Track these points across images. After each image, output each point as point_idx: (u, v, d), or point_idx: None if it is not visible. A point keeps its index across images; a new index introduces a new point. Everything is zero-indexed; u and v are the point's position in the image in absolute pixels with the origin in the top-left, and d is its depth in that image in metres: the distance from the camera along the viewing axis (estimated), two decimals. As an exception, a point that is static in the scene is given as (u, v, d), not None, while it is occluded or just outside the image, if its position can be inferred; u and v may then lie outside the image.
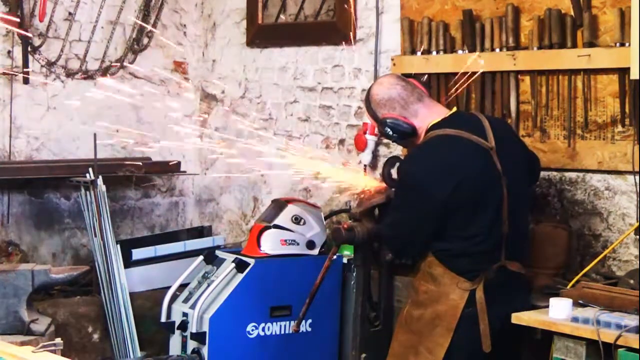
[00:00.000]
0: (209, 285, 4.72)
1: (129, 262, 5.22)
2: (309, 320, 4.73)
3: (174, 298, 4.86)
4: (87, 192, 5.09)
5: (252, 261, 4.72)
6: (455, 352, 3.75)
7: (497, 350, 3.75)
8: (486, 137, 3.79)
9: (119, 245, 5.13)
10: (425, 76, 4.43)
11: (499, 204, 3.75)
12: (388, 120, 3.87)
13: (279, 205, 4.92)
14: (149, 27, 5.83)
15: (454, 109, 3.98)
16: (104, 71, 5.71)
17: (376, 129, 4.54)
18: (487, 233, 3.75)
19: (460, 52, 4.58)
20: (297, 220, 4.82)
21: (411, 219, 3.82)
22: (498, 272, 3.76)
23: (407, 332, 3.86)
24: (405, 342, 3.86)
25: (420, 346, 3.79)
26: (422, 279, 3.85)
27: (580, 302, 3.66)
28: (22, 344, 3.44)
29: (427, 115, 3.87)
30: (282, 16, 5.62)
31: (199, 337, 4.63)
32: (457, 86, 4.45)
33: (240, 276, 4.69)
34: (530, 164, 4.04)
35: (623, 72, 4.01)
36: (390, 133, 3.89)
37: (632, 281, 3.80)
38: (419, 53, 4.71)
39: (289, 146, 4.93)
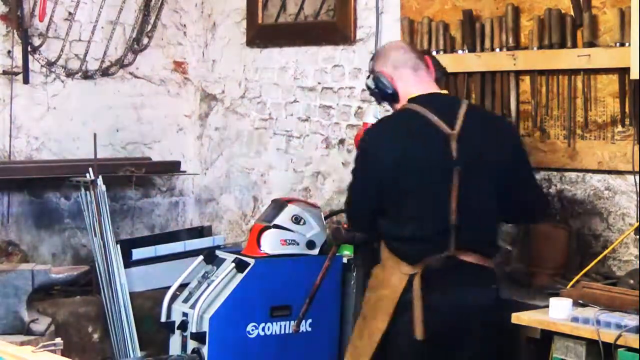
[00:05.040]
0: (209, 285, 4.72)
1: (129, 262, 5.22)
2: (309, 320, 4.73)
3: (174, 298, 4.86)
4: (87, 192, 5.09)
5: (252, 261, 4.72)
6: (394, 338, 3.69)
7: (447, 342, 3.66)
8: (453, 123, 3.66)
9: (119, 245, 5.13)
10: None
11: (446, 191, 3.62)
12: (376, 72, 3.84)
13: (279, 205, 4.93)
14: (149, 27, 5.84)
15: (445, 91, 3.90)
16: (104, 71, 5.71)
17: None
18: (430, 219, 3.65)
19: (460, 52, 4.58)
20: (297, 220, 4.82)
21: (356, 183, 3.80)
22: (446, 261, 3.63)
23: (360, 316, 3.85)
24: (357, 326, 3.84)
25: (365, 329, 3.75)
26: (377, 262, 3.82)
27: (580, 302, 3.66)
28: (22, 344, 3.44)
29: (412, 85, 3.78)
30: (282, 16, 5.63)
31: (199, 337, 4.63)
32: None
33: (240, 276, 4.69)
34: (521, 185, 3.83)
35: (623, 72, 4.01)
36: (372, 86, 3.85)
37: (632, 281, 3.80)
38: (419, 53, 4.71)
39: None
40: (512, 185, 3.75)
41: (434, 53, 4.63)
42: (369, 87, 3.89)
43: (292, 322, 4.63)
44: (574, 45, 4.21)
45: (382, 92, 3.83)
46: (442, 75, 3.93)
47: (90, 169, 5.09)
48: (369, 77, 3.89)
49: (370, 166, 3.73)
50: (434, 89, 3.82)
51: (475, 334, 3.69)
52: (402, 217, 3.69)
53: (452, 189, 3.62)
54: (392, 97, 3.83)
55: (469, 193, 3.64)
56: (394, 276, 3.69)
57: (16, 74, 5.36)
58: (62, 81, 5.57)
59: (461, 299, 3.65)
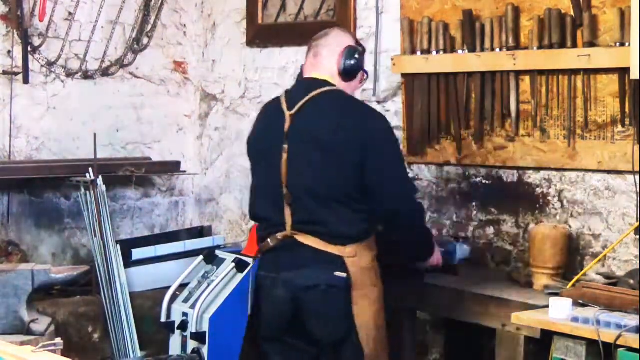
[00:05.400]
0: (209, 285, 4.72)
1: (129, 262, 5.22)
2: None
3: (174, 298, 4.86)
4: (87, 192, 5.09)
5: (252, 261, 4.71)
6: (255, 316, 3.86)
7: (296, 319, 3.70)
8: (295, 105, 3.73)
9: (119, 245, 5.13)
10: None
11: (278, 171, 3.69)
12: None
13: (278, 205, 4.92)
14: (149, 27, 5.84)
15: (314, 74, 3.84)
16: (104, 71, 5.71)
17: None
18: (266, 197, 3.76)
19: (460, 52, 4.58)
20: (297, 220, 4.81)
21: None
22: (282, 242, 3.70)
23: None
24: None
25: None
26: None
27: (580, 302, 3.66)
28: (22, 344, 3.43)
29: (306, 70, 3.89)
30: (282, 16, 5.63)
31: (199, 337, 4.63)
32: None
33: (240, 276, 4.69)
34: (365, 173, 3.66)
35: (623, 72, 4.01)
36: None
37: (632, 281, 3.80)
38: (419, 53, 4.71)
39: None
40: (363, 173, 3.64)
41: (433, 53, 4.64)
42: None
43: (292, 322, 4.63)
44: (574, 45, 4.21)
45: (297, 78, 4.00)
46: (353, 66, 3.82)
47: (90, 169, 5.09)
48: None
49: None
50: (315, 73, 3.83)
51: (310, 314, 3.67)
52: (253, 199, 3.88)
53: (281, 165, 3.69)
54: None
55: (298, 172, 3.67)
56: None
57: (16, 74, 5.35)
58: (62, 81, 5.57)
59: (303, 281, 3.65)
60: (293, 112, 3.73)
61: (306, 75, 3.87)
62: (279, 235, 3.71)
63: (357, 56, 3.84)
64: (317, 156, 3.66)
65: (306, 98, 3.74)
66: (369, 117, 3.76)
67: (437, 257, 4.04)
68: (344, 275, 3.63)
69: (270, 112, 3.87)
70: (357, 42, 3.95)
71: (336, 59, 3.83)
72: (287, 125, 3.72)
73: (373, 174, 3.64)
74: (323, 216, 3.65)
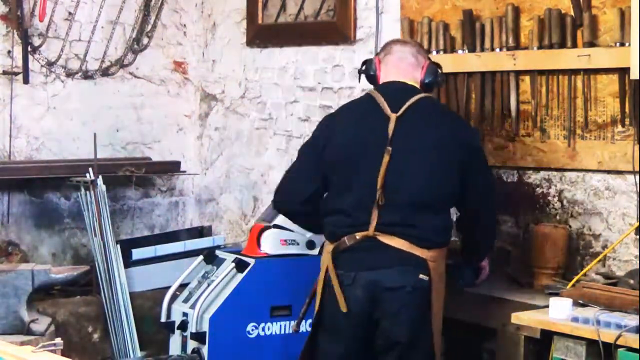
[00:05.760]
0: (209, 285, 4.71)
1: (129, 262, 5.22)
2: (309, 320, 4.72)
3: (174, 298, 4.86)
4: (87, 192, 5.09)
5: (252, 261, 4.71)
6: (323, 313, 3.82)
7: (372, 317, 3.71)
8: (398, 108, 3.76)
9: (119, 245, 5.13)
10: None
11: (376, 170, 3.69)
12: (372, 58, 4.04)
13: (278, 205, 4.92)
14: (149, 27, 5.84)
15: (413, 83, 3.90)
16: (104, 71, 5.71)
17: None
18: (354, 195, 3.73)
19: (460, 52, 4.58)
20: (297, 220, 4.81)
21: (297, 164, 4.02)
22: (363, 241, 3.69)
23: None
24: None
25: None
26: None
27: (580, 302, 3.66)
28: (22, 344, 3.44)
29: (389, 72, 3.92)
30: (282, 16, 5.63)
31: (199, 337, 4.62)
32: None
33: (240, 276, 4.69)
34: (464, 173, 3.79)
35: (623, 72, 4.01)
36: (361, 67, 4.02)
37: (632, 281, 3.80)
38: (419, 53, 4.71)
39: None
40: (458, 182, 3.77)
41: (434, 53, 4.64)
42: (359, 69, 4.05)
43: (292, 322, 4.62)
44: (574, 45, 4.21)
45: (365, 73, 4.00)
46: (432, 82, 3.95)
47: (90, 169, 5.09)
48: None
49: (315, 149, 3.88)
50: (404, 79, 3.89)
51: (390, 315, 3.68)
52: (336, 194, 3.81)
53: (379, 168, 3.69)
54: (372, 79, 3.97)
55: (397, 175, 3.70)
56: (324, 255, 3.83)
57: (16, 74, 5.35)
58: (62, 81, 5.57)
59: (380, 281, 3.66)
60: (399, 114, 3.74)
61: (390, 78, 3.90)
62: (358, 235, 3.70)
63: (439, 73, 3.97)
64: (421, 161, 3.71)
65: (409, 102, 3.77)
66: (468, 128, 3.97)
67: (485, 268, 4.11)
68: (427, 278, 3.67)
69: (367, 112, 3.83)
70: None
71: (420, 71, 3.92)
72: (391, 127, 3.73)
73: (473, 182, 3.78)
74: (415, 220, 3.67)
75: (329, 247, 3.80)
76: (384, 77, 3.93)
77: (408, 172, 3.70)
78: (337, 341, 3.79)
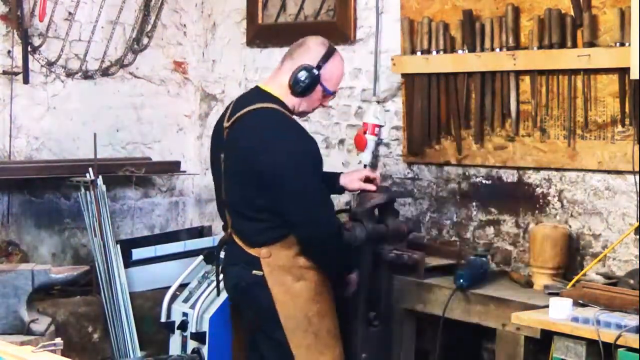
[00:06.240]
0: (209, 285, 4.72)
1: (129, 262, 5.22)
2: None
3: (174, 298, 4.86)
4: (87, 192, 5.09)
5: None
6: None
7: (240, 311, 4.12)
8: (231, 117, 3.95)
9: (119, 245, 5.13)
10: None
11: (219, 174, 4.02)
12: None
13: (278, 205, 4.92)
14: (149, 27, 5.84)
15: (263, 85, 4.03)
16: (104, 71, 5.71)
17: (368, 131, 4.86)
18: (218, 202, 4.12)
19: (460, 52, 4.58)
20: (297, 220, 4.81)
21: None
22: (226, 240, 4.07)
23: None
24: None
25: None
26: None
27: (580, 302, 3.66)
28: (22, 344, 3.44)
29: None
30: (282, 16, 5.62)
31: (199, 337, 4.63)
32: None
33: (240, 276, 4.69)
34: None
35: (623, 72, 4.01)
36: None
37: (632, 281, 3.80)
38: (419, 53, 4.71)
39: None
40: (268, 195, 3.87)
41: (433, 53, 4.64)
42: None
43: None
44: (574, 45, 4.21)
45: None
46: (294, 84, 3.97)
47: (90, 169, 5.09)
48: None
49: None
50: (263, 84, 4.06)
51: (241, 306, 4.09)
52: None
53: (221, 173, 4.01)
54: None
55: (230, 181, 3.97)
56: None
57: (16, 74, 5.35)
58: (62, 81, 5.57)
59: (236, 278, 4.00)
60: (228, 124, 3.96)
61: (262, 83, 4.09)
62: (225, 235, 4.08)
63: (309, 75, 3.97)
64: (235, 174, 3.94)
65: (241, 112, 3.93)
66: (274, 142, 3.85)
67: (353, 281, 4.19)
68: (261, 273, 3.91)
69: (222, 118, 4.07)
70: (327, 54, 4.04)
71: (289, 74, 3.98)
72: (225, 136, 3.97)
73: (278, 201, 3.85)
74: (243, 224, 3.96)
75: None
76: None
77: (230, 183, 3.97)
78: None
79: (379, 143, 5.00)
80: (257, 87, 4.07)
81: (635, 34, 3.74)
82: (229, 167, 3.96)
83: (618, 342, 3.31)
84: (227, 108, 4.07)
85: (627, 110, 4.08)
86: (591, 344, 3.42)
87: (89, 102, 5.65)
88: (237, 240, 3.98)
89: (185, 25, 6.04)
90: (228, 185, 3.98)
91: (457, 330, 4.26)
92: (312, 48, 4.03)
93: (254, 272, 3.91)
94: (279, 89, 3.98)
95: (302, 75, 3.96)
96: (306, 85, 3.96)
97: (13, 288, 4.37)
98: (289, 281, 3.91)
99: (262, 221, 3.90)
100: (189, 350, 4.68)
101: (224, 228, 4.11)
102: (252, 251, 3.92)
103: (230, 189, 3.98)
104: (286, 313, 3.90)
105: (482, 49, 4.49)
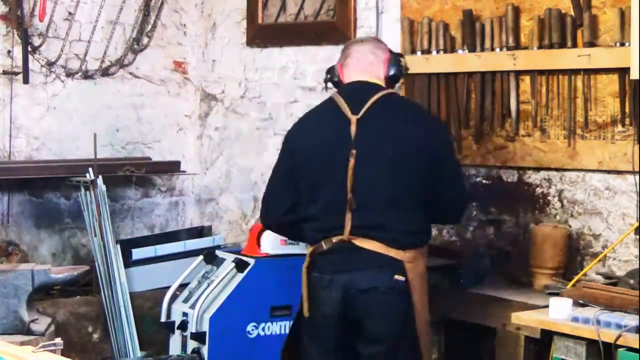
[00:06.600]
0: (209, 285, 4.72)
1: (129, 262, 5.22)
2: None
3: (174, 298, 4.86)
4: (87, 192, 5.09)
5: (252, 261, 4.72)
6: (309, 314, 3.80)
7: (348, 318, 3.71)
8: (359, 109, 3.74)
9: (119, 245, 5.13)
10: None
11: (343, 174, 3.69)
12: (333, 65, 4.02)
13: (278, 205, 4.91)
14: (149, 27, 5.84)
15: (376, 80, 3.89)
16: (104, 71, 5.71)
17: None
18: (327, 200, 3.73)
19: (460, 52, 4.58)
20: (297, 220, 4.81)
21: (273, 176, 4.00)
22: (338, 245, 3.70)
23: None
24: None
25: None
26: None
27: (580, 302, 3.66)
28: (22, 344, 3.44)
29: (350, 74, 3.92)
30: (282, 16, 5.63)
31: (199, 337, 4.63)
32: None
33: (240, 276, 4.69)
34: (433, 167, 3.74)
35: (623, 72, 4.01)
36: (327, 75, 4.01)
37: (632, 281, 3.80)
38: (419, 53, 4.71)
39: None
40: (428, 181, 3.72)
41: (433, 53, 4.64)
42: (324, 78, 4.05)
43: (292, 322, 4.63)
44: (574, 45, 4.21)
45: (330, 80, 4.00)
46: (396, 75, 3.93)
47: (90, 169, 5.09)
48: None
49: (286, 158, 3.90)
50: (365, 78, 3.88)
51: (368, 315, 3.68)
52: (308, 201, 3.80)
53: (347, 170, 3.68)
54: (337, 85, 3.96)
55: (365, 177, 3.69)
56: (306, 259, 3.82)
57: (16, 74, 5.35)
58: (62, 81, 5.57)
59: (357, 284, 3.66)
60: (359, 116, 3.74)
61: (353, 79, 3.89)
62: (335, 239, 3.70)
63: (402, 62, 3.95)
64: (387, 162, 3.69)
65: (370, 102, 3.75)
66: (431, 123, 3.94)
67: None
68: (403, 278, 3.66)
69: (329, 116, 3.83)
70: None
71: (382, 67, 3.90)
72: (353, 129, 3.73)
73: (444, 165, 3.74)
74: (388, 221, 3.66)
75: (308, 251, 3.82)
76: (346, 80, 3.91)
77: (375, 174, 3.70)
78: (317, 341, 3.80)
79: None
80: (361, 81, 3.87)
81: (635, 34, 3.74)
82: (371, 158, 3.69)
83: (618, 342, 3.32)
84: (328, 104, 3.86)
85: (627, 110, 4.08)
86: (591, 344, 3.42)
87: (89, 102, 5.65)
88: (367, 242, 3.66)
89: (185, 25, 6.04)
90: (366, 179, 3.68)
91: (457, 330, 4.26)
92: (380, 44, 4.02)
93: (396, 276, 3.65)
94: (379, 81, 3.90)
95: (396, 62, 3.92)
96: (400, 73, 3.96)
97: (13, 288, 4.37)
98: (424, 291, 3.74)
99: (416, 218, 3.71)
100: (189, 350, 4.68)
101: (328, 233, 3.73)
102: (394, 253, 3.66)
103: (370, 183, 3.68)
104: (421, 324, 3.73)
105: (482, 49, 4.49)
